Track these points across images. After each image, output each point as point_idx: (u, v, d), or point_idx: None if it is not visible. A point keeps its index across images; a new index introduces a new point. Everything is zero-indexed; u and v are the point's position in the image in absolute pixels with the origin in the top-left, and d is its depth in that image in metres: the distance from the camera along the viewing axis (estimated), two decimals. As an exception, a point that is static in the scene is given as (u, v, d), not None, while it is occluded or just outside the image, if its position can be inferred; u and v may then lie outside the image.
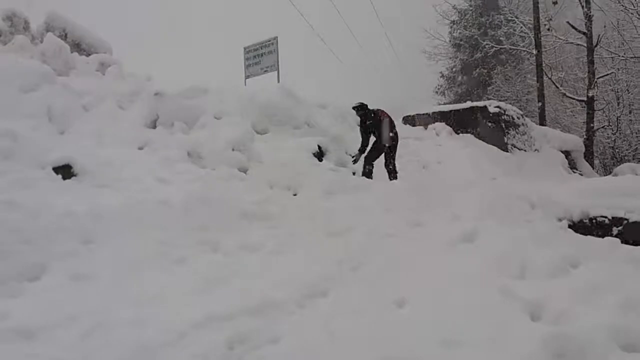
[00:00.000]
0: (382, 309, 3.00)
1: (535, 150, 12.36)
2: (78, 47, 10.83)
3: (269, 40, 11.66)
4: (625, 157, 18.74)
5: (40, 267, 3.27)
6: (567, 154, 13.12)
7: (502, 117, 11.73)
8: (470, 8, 26.65)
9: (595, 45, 15.87)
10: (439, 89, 28.94)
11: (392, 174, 8.47)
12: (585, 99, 16.25)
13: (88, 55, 10.25)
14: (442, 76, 28.54)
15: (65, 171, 4.95)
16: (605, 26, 17.50)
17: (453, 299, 2.92)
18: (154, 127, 7.60)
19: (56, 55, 8.81)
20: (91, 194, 4.51)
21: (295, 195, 6.52)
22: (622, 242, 4.19)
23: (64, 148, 5.31)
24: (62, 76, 8.02)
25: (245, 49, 12.12)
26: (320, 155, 8.35)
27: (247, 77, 12.03)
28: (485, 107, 11.73)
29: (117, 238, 3.82)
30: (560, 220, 7.12)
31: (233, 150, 6.91)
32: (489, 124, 11.42)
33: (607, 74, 17.39)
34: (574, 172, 12.71)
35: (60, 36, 10.36)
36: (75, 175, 4.98)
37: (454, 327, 2.54)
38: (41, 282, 3.19)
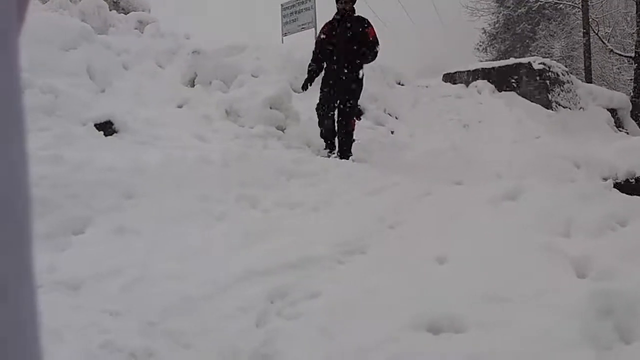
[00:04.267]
0: (422, 265, 2.97)
1: (581, 108, 11.97)
2: (116, 5, 10.87)
3: (307, -3, 11.48)
4: (674, 116, 18.05)
5: (85, 220, 3.33)
6: (613, 112, 12.67)
7: (547, 74, 11.36)
8: (515, -40, 25.71)
9: (645, -1, 15.16)
10: (480, 45, 28.19)
11: (347, 143, 6.27)
12: (633, 55, 15.62)
13: (126, 13, 10.28)
14: (484, 32, 27.74)
15: (106, 128, 5.02)
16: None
17: (496, 255, 2.87)
18: (193, 85, 7.62)
19: (95, 14, 8.86)
20: (132, 150, 4.56)
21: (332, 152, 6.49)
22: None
23: (105, 105, 5.38)
24: (101, 34, 8.07)
25: (282, 5, 11.97)
26: (358, 114, 8.26)
27: (284, 34, 11.90)
28: (529, 63, 11.36)
29: (158, 193, 3.86)
30: (605, 179, 6.92)
31: (271, 108, 6.89)
32: (533, 81, 11.09)
33: (657, 28, 16.63)
34: (620, 131, 12.29)
35: (99, -6, 10.37)
36: (116, 132, 5.04)
37: (497, 283, 2.50)
38: (85, 235, 3.26)
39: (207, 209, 3.92)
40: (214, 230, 3.65)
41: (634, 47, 15.58)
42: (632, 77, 16.03)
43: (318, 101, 6.39)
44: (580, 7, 16.24)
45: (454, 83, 11.99)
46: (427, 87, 11.27)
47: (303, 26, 11.49)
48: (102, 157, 4.07)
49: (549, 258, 2.77)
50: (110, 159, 4.07)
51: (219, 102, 6.95)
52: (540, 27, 22.64)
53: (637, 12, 15.26)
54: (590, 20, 16.04)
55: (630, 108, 13.91)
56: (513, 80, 11.14)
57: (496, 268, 2.68)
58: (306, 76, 6.46)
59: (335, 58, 6.23)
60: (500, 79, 11.29)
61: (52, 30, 6.36)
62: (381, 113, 8.72)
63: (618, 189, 6.65)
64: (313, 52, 6.49)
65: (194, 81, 7.69)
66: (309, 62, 6.52)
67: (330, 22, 6.40)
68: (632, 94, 15.31)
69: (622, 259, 2.65)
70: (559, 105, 11.29)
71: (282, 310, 2.70)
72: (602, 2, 18.38)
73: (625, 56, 16.46)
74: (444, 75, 12.45)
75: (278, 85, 7.39)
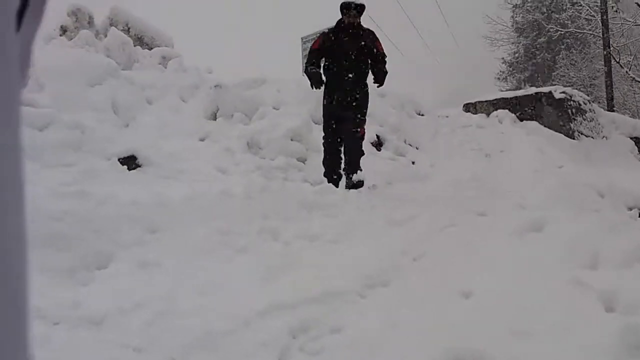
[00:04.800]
0: (446, 299, 2.93)
1: (604, 137, 11.86)
2: (141, 41, 11.12)
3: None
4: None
5: (108, 255, 3.36)
6: (636, 140, 12.52)
7: (568, 103, 11.31)
8: (534, -9, 25.85)
9: (668, 26, 15.11)
10: (500, 75, 28.24)
11: (356, 155, 5.95)
12: (656, 83, 15.51)
13: (150, 48, 10.52)
14: (504, 62, 27.83)
15: (130, 162, 5.09)
16: (677, 6, 16.62)
17: (522, 288, 2.82)
18: (215, 118, 7.72)
19: (120, 50, 9.07)
20: (155, 184, 4.61)
21: (354, 184, 6.49)
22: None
23: (129, 140, 5.46)
24: (126, 70, 8.25)
25: (302, 39, 12.15)
26: (378, 144, 8.27)
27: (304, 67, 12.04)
28: (550, 92, 11.33)
29: (181, 227, 3.88)
30: (630, 209, 6.83)
31: (292, 140, 6.94)
32: (554, 111, 11.03)
33: (681, 57, 16.54)
34: (646, 160, 12.12)
35: (124, 30, 10.66)
36: (139, 166, 5.11)
37: (524, 318, 2.45)
38: (109, 270, 3.28)
39: (228, 242, 3.92)
40: (236, 263, 3.65)
41: (656, 75, 15.48)
42: (656, 105, 15.87)
43: (324, 125, 6.15)
44: (601, 35, 16.20)
45: (475, 113, 11.98)
46: (447, 117, 11.27)
47: (323, 59, 11.61)
48: (125, 192, 4.12)
49: (576, 291, 2.71)
50: (134, 194, 4.12)
51: (240, 134, 7.02)
52: (560, 56, 22.62)
53: (658, 40, 15.21)
54: (611, 48, 15.99)
55: (655, 136, 13.74)
56: (534, 110, 11.09)
57: (522, 302, 2.64)
58: (310, 75, 5.86)
59: (339, 71, 5.82)
60: (522, 109, 11.26)
61: (78, 67, 6.52)
62: (401, 144, 8.73)
63: (645, 219, 6.56)
64: (308, 59, 5.99)
65: (216, 114, 7.79)
66: (305, 69, 6.01)
67: (329, 32, 5.94)
68: (656, 122, 15.13)
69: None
70: (582, 134, 11.20)
71: (305, 346, 2.67)
72: (622, 30, 18.34)
73: (648, 84, 16.33)
74: (464, 105, 12.45)
75: (299, 117, 7.46)
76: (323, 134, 6.17)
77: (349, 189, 5.76)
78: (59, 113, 5.20)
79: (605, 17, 15.85)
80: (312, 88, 5.92)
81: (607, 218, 4.54)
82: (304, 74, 5.94)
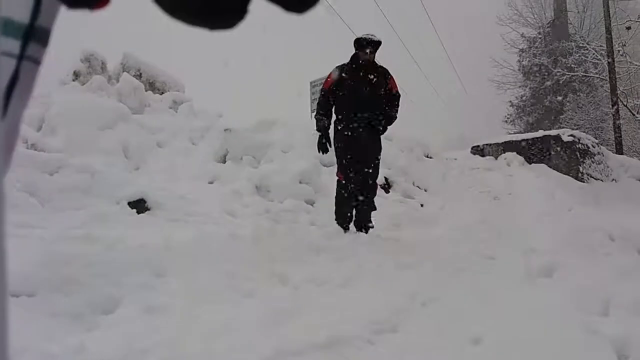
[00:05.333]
0: (455, 346, 2.89)
1: (613, 180, 11.83)
2: (152, 85, 11.32)
3: (335, 74, 11.79)
4: None
5: (115, 300, 3.34)
6: (646, 183, 12.47)
7: (577, 146, 11.33)
8: (539, 36, 26.15)
9: (674, 69, 15.22)
10: (508, 118, 28.36)
11: (368, 210, 5.79)
12: (664, 125, 15.53)
13: (162, 93, 10.69)
14: (512, 105, 27.98)
15: (139, 205, 5.12)
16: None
17: (532, 336, 2.78)
18: (224, 161, 7.78)
19: (131, 94, 9.22)
20: (164, 227, 4.62)
21: (362, 227, 6.47)
22: None
23: (139, 183, 5.50)
24: (137, 114, 8.37)
25: (311, 83, 12.33)
26: (387, 187, 8.28)
27: (312, 110, 12.19)
28: (558, 135, 11.37)
29: (188, 271, 3.87)
30: (640, 252, 6.75)
31: (300, 182, 6.97)
32: (563, 153, 11.04)
33: (688, 99, 16.60)
34: (656, 203, 12.03)
35: (135, 76, 10.86)
36: (148, 210, 5.13)
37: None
38: (115, 315, 3.25)
39: (236, 286, 3.90)
40: (243, 308, 3.62)
41: (664, 118, 15.51)
42: (665, 147, 15.86)
43: (340, 169, 5.71)
44: (608, 79, 16.31)
45: (483, 155, 12.01)
46: (455, 159, 11.31)
47: (332, 102, 11.76)
48: (134, 235, 4.13)
49: (588, 339, 2.66)
50: (142, 237, 4.13)
51: (249, 177, 7.06)
52: (568, 99, 22.73)
53: (665, 84, 15.29)
54: (618, 92, 16.08)
55: (665, 179, 13.68)
56: (543, 152, 11.10)
57: (533, 350, 2.59)
58: (319, 134, 5.63)
59: (351, 112, 5.51)
60: (530, 151, 11.28)
61: (89, 111, 6.64)
62: (410, 186, 8.74)
63: (657, 263, 6.47)
64: (320, 102, 5.68)
65: (225, 157, 7.85)
66: (316, 115, 5.72)
67: (342, 69, 5.61)
68: (665, 164, 15.08)
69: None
70: (591, 177, 11.18)
71: (312, 394, 2.62)
72: (629, 74, 18.48)
73: (656, 126, 16.35)
74: (473, 148, 12.49)
75: (307, 160, 7.50)
76: (337, 178, 5.79)
77: (359, 231, 5.75)
78: (69, 157, 5.27)
79: (611, 60, 15.99)
80: (319, 151, 5.71)
81: (617, 262, 4.49)
82: (315, 120, 5.69)
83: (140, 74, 11.30)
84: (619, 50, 16.68)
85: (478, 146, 12.41)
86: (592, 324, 2.90)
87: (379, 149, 5.73)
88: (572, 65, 21.61)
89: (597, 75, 20.19)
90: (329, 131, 5.67)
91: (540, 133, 11.97)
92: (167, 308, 3.37)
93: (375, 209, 5.81)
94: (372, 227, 5.72)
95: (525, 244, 5.32)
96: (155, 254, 3.92)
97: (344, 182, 5.64)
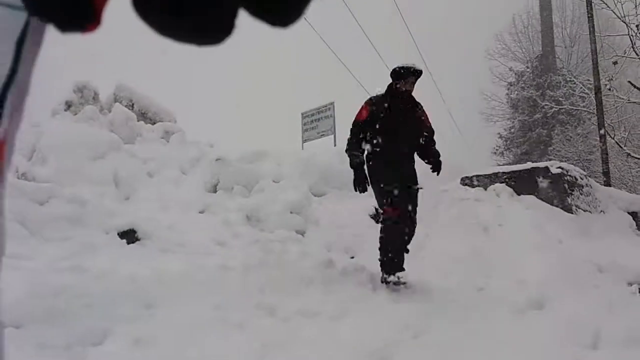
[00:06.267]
0: (446, 379, 2.88)
1: (601, 211, 11.89)
2: (144, 116, 11.38)
3: (326, 106, 11.94)
4: (699, 218, 17.81)
5: (104, 331, 3.31)
6: (634, 215, 12.55)
7: (565, 178, 11.41)
8: (528, 70, 26.56)
9: (659, 104, 15.48)
10: (497, 149, 28.58)
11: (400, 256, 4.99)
12: (651, 158, 15.74)
13: (153, 123, 10.75)
14: (500, 137, 28.23)
15: (129, 236, 5.10)
16: (669, 84, 17.10)
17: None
18: (215, 191, 7.78)
19: (123, 125, 9.27)
20: (154, 258, 4.61)
21: (352, 258, 6.46)
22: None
23: (129, 213, 5.49)
24: (128, 144, 8.39)
25: (302, 114, 12.43)
26: (377, 217, 8.30)
27: (304, 141, 12.27)
28: (546, 167, 11.45)
29: (177, 302, 3.85)
30: (630, 284, 6.78)
31: (291, 213, 6.97)
32: (551, 185, 11.13)
33: (674, 132, 16.86)
34: (644, 234, 12.12)
35: (128, 106, 10.92)
36: (138, 240, 5.11)
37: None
38: (104, 347, 3.22)
39: (225, 317, 3.88)
40: (232, 340, 3.59)
41: (651, 151, 15.72)
42: (652, 180, 16.05)
43: (384, 207, 4.99)
44: (595, 113, 16.56)
45: (472, 186, 12.06)
46: (446, 190, 11.33)
47: (323, 133, 11.87)
48: (123, 266, 4.12)
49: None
50: (132, 268, 4.11)
51: (240, 207, 7.06)
52: (556, 131, 23.00)
53: (651, 117, 15.54)
54: (605, 125, 16.30)
55: (653, 211, 13.80)
56: (532, 184, 11.18)
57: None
58: (354, 171, 5.02)
59: (391, 147, 4.94)
60: (519, 183, 11.34)
61: (81, 141, 6.64)
62: (400, 217, 8.76)
63: (645, 295, 6.50)
64: (352, 137, 5.12)
65: (216, 187, 7.86)
66: (349, 149, 5.11)
67: (378, 100, 5.10)
68: (653, 196, 15.24)
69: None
70: (579, 208, 11.24)
71: None
72: (616, 107, 18.75)
73: (643, 159, 16.57)
74: (462, 179, 12.54)
75: (298, 190, 7.53)
76: (383, 216, 5.07)
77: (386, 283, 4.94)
78: (59, 187, 5.26)
79: (599, 95, 16.24)
80: (355, 189, 5.07)
81: (607, 295, 4.51)
82: (347, 155, 5.11)
83: (133, 104, 11.37)
84: (606, 85, 16.95)
85: (467, 177, 12.47)
86: (582, 357, 2.90)
87: (417, 189, 5.22)
88: (560, 99, 21.90)
89: (585, 109, 20.47)
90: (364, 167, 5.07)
91: (528, 165, 12.04)
92: (157, 340, 3.34)
93: (407, 251, 5.18)
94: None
95: (515, 276, 5.32)
96: (144, 285, 3.90)
97: (395, 216, 4.87)
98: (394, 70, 5.02)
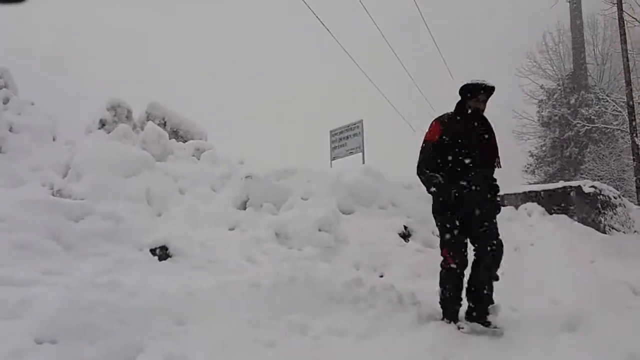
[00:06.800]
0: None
1: (635, 232, 11.67)
2: (176, 134, 11.56)
3: (355, 124, 11.96)
4: None
5: (137, 347, 3.36)
6: (669, 235, 12.29)
7: (598, 197, 11.23)
8: (559, 87, 26.26)
9: (693, 122, 15.16)
10: (528, 167, 28.20)
11: (489, 290, 4.53)
12: (685, 177, 15.39)
13: (185, 141, 10.90)
14: (532, 155, 27.87)
15: (161, 252, 5.18)
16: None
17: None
18: (244, 208, 7.84)
19: (155, 142, 9.42)
20: (185, 274, 4.67)
21: (381, 276, 6.43)
22: None
23: (161, 230, 5.57)
24: (160, 161, 8.52)
25: (331, 132, 12.47)
26: (406, 235, 8.25)
27: (333, 158, 12.29)
28: (579, 186, 11.29)
29: (209, 319, 3.88)
30: (665, 307, 6.62)
31: (319, 230, 6.98)
32: (584, 205, 10.95)
33: None
34: (680, 255, 11.84)
35: (160, 124, 11.10)
36: (170, 256, 5.18)
37: None
38: (136, 363, 3.27)
39: (256, 335, 3.90)
40: (264, 358, 3.61)
41: (686, 169, 15.37)
42: (688, 200, 15.69)
43: (446, 242, 4.60)
44: (628, 131, 16.29)
45: (503, 205, 11.93)
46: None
47: (351, 151, 11.89)
48: (155, 283, 4.18)
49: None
50: (164, 285, 4.17)
51: (269, 224, 7.09)
52: (588, 150, 22.65)
53: (685, 136, 15.21)
54: (639, 144, 16.01)
55: (689, 231, 13.48)
56: (564, 203, 11.02)
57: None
58: (436, 195, 4.52)
59: (465, 171, 4.47)
60: (550, 202, 11.19)
61: (114, 159, 6.77)
62: (430, 235, 8.68)
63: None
64: (425, 157, 4.59)
65: (245, 204, 7.91)
66: (422, 171, 4.56)
67: (449, 119, 4.61)
68: (688, 217, 14.89)
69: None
70: (612, 228, 11.04)
71: None
72: (649, 125, 18.41)
73: (678, 178, 16.22)
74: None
75: (327, 207, 7.53)
76: (445, 255, 4.65)
77: (472, 321, 4.43)
78: (94, 204, 5.37)
79: (632, 112, 16.00)
80: (442, 213, 4.58)
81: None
82: (419, 177, 4.62)
83: (165, 122, 11.57)
84: (638, 102, 16.71)
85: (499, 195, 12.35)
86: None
87: (496, 208, 4.83)
88: (592, 117, 21.62)
89: (617, 127, 20.17)
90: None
91: (560, 184, 11.90)
92: (188, 357, 3.37)
93: (497, 278, 4.63)
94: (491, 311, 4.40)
95: (547, 296, 5.25)
96: (176, 302, 3.94)
97: (451, 264, 4.54)
98: (464, 86, 4.55)
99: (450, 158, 4.50)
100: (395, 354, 3.72)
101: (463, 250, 4.57)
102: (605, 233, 10.68)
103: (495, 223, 4.69)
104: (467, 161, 4.47)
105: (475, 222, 4.53)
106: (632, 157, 16.10)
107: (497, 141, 4.79)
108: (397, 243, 7.70)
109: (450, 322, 4.48)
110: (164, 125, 11.41)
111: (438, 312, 4.76)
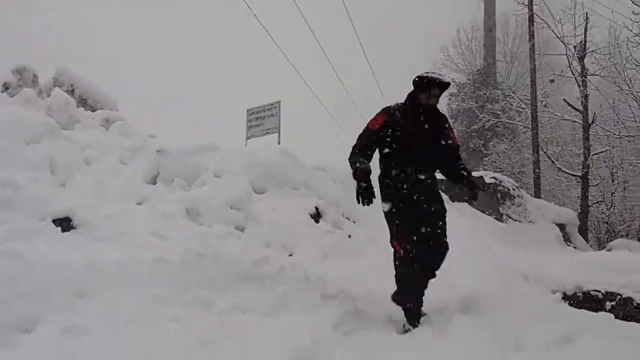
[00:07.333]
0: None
1: (530, 222, 12.44)
2: (84, 102, 11.08)
3: (272, 104, 11.94)
4: (619, 233, 18.84)
5: (34, 319, 3.26)
6: (561, 227, 13.21)
7: (498, 188, 11.87)
8: (469, 82, 27.32)
9: (591, 123, 16.28)
10: (434, 157, 29.17)
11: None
12: (580, 174, 16.51)
13: (94, 110, 10.47)
14: (439, 145, 28.82)
15: (64, 223, 5.00)
16: (600, 105, 18.03)
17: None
18: (154, 183, 7.66)
19: (62, 110, 9.00)
20: (89, 247, 4.53)
21: (291, 255, 6.53)
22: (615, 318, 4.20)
23: (64, 200, 5.36)
24: (66, 130, 8.16)
25: (248, 110, 12.38)
26: (317, 216, 8.38)
27: (248, 137, 12.23)
28: (481, 177, 11.88)
29: (112, 293, 3.81)
30: (554, 293, 7.13)
31: (231, 208, 6.96)
32: (485, 195, 11.53)
33: (602, 151, 17.79)
34: (568, 246, 12.75)
35: (68, 91, 10.61)
36: (74, 228, 5.01)
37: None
38: (34, 334, 3.17)
39: (160, 310, 3.87)
40: (166, 333, 3.59)
41: (580, 167, 16.48)
42: (579, 195, 16.84)
43: (393, 241, 4.35)
44: (531, 127, 17.23)
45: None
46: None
47: (267, 131, 11.87)
48: (57, 254, 4.03)
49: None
50: (66, 256, 4.04)
51: (180, 200, 6.98)
52: (492, 143, 23.76)
53: (583, 135, 16.30)
54: (540, 139, 17.00)
55: (578, 224, 14.51)
56: (466, 192, 11.54)
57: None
58: (359, 181, 4.14)
59: (410, 166, 4.22)
60: (454, 190, 11.69)
61: (15, 124, 6.41)
62: (340, 217, 8.87)
63: (566, 303, 6.86)
64: (361, 144, 4.33)
65: (156, 179, 7.74)
66: (353, 156, 4.29)
67: (397, 111, 4.33)
68: (579, 210, 16.03)
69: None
70: (510, 217, 11.72)
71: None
72: (551, 123, 19.55)
73: (573, 175, 17.38)
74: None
75: (240, 186, 7.50)
76: (394, 251, 4.39)
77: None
78: (-8, 169, 5.09)
79: (535, 110, 16.93)
80: (359, 201, 4.15)
81: (531, 302, 4.74)
82: (349, 163, 4.32)
83: (73, 89, 11.04)
84: (542, 101, 17.69)
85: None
86: (505, 358, 3.07)
87: (444, 209, 4.45)
88: (498, 112, 22.64)
89: (521, 123, 21.28)
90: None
91: (464, 173, 12.45)
92: (89, 330, 3.31)
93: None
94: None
95: (445, 280, 5.51)
96: (79, 274, 3.84)
97: (405, 256, 4.21)
98: (417, 78, 4.28)
99: (396, 152, 4.25)
100: (297, 331, 3.80)
101: (415, 242, 4.18)
102: (503, 222, 11.33)
103: (441, 229, 4.34)
104: (414, 157, 4.23)
105: (423, 224, 4.24)
106: (532, 152, 17.09)
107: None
108: (308, 224, 7.81)
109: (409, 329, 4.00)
110: (72, 92, 10.90)
111: (342, 291, 4.89)
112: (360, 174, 4.12)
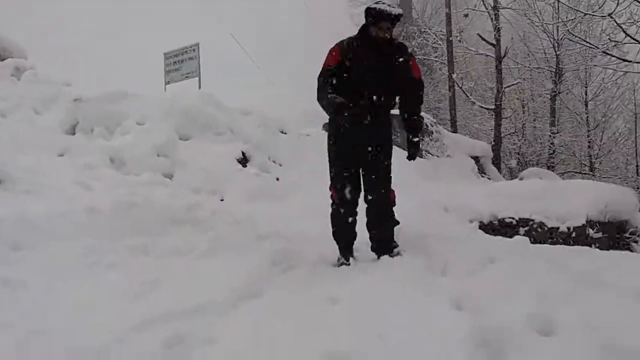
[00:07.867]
0: (316, 307, 3.13)
1: (448, 156, 12.97)
2: (-10, 51, 10.36)
3: (191, 47, 11.60)
4: (530, 162, 19.94)
5: (-32, 274, 3.20)
6: (476, 159, 13.86)
7: (417, 125, 12.21)
8: (385, 18, 27.40)
9: (503, 56, 16.84)
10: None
11: (387, 227, 4.24)
12: (493, 107, 17.19)
13: (3, 59, 9.83)
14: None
15: (-17, 177, 4.82)
16: (512, 38, 18.64)
17: (382, 294, 3.11)
18: (73, 133, 7.43)
19: (-34, 59, 8.43)
20: (16, 200, 4.42)
21: (222, 200, 6.59)
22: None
23: (-19, 154, 5.16)
24: (-27, 80, 7.70)
25: (165, 54, 11.99)
26: (244, 161, 8.43)
27: (167, 82, 11.91)
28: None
29: (46, 245, 3.77)
30: (471, 222, 7.62)
31: (158, 156, 6.89)
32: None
33: (514, 84, 18.55)
34: (483, 177, 13.44)
35: (-27, 40, 9.88)
36: (-3, 182, 4.86)
37: (385, 320, 2.72)
38: (-32, 289, 3.12)
39: (97, 259, 3.87)
40: (106, 280, 3.62)
41: (493, 100, 17.15)
42: (493, 127, 17.60)
43: (332, 177, 4.26)
44: (446, 63, 17.66)
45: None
46: (308, 135, 11.66)
47: (187, 75, 11.58)
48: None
49: (430, 295, 3.05)
50: (-7, 210, 3.94)
51: (102, 150, 6.83)
52: (409, 80, 24.16)
53: (496, 68, 16.88)
54: (454, 75, 17.48)
55: (492, 156, 15.26)
56: (388, 130, 11.84)
57: (383, 306, 2.91)
58: (338, 111, 3.87)
59: (358, 102, 3.96)
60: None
61: None
62: (266, 160, 8.94)
63: (483, 230, 7.36)
64: (323, 83, 4.01)
65: (75, 128, 7.50)
66: (322, 94, 3.98)
67: (349, 45, 4.09)
68: (492, 142, 16.79)
69: (493, 294, 2.99)
70: (429, 153, 12.17)
71: (182, 356, 2.73)
72: (465, 58, 20.09)
73: (486, 108, 18.07)
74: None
75: (164, 132, 7.41)
76: (331, 192, 4.29)
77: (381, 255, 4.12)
78: None
79: (450, 46, 17.32)
80: (342, 124, 3.97)
81: (452, 231, 5.07)
82: (320, 104, 4.05)
83: (-21, 38, 10.30)
84: (456, 36, 18.08)
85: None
86: (433, 283, 3.32)
87: (390, 152, 4.29)
88: (415, 49, 22.99)
89: (437, 59, 21.73)
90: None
91: (384, 111, 12.71)
92: (27, 282, 3.29)
93: (397, 222, 4.31)
94: (397, 246, 4.20)
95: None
96: (10, 227, 3.77)
97: (337, 200, 4.19)
98: (367, 9, 4.07)
99: (345, 88, 3.94)
100: (235, 270, 3.90)
101: (343, 186, 4.15)
102: (422, 157, 11.75)
103: (384, 169, 4.22)
104: (360, 91, 3.99)
105: (364, 169, 4.17)
106: (447, 88, 17.60)
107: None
108: (235, 168, 7.86)
109: (343, 259, 4.17)
110: (-23, 41, 10.17)
111: (275, 232, 5.03)
112: (338, 107, 3.83)
